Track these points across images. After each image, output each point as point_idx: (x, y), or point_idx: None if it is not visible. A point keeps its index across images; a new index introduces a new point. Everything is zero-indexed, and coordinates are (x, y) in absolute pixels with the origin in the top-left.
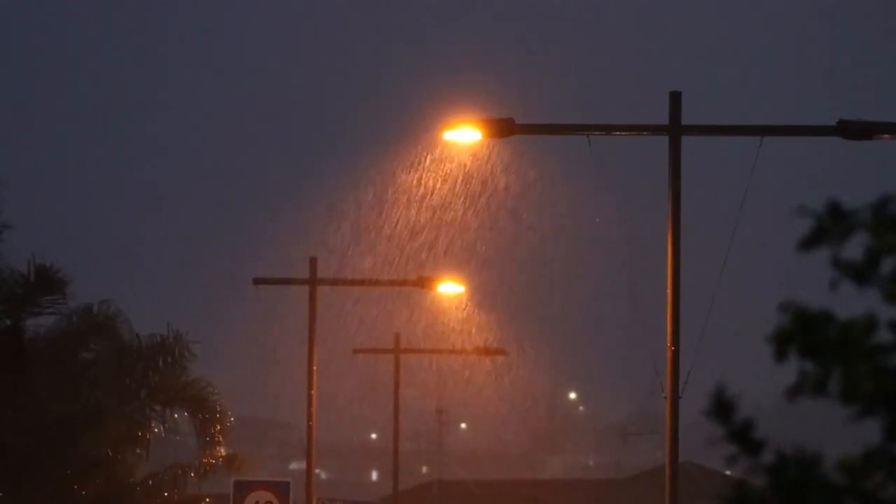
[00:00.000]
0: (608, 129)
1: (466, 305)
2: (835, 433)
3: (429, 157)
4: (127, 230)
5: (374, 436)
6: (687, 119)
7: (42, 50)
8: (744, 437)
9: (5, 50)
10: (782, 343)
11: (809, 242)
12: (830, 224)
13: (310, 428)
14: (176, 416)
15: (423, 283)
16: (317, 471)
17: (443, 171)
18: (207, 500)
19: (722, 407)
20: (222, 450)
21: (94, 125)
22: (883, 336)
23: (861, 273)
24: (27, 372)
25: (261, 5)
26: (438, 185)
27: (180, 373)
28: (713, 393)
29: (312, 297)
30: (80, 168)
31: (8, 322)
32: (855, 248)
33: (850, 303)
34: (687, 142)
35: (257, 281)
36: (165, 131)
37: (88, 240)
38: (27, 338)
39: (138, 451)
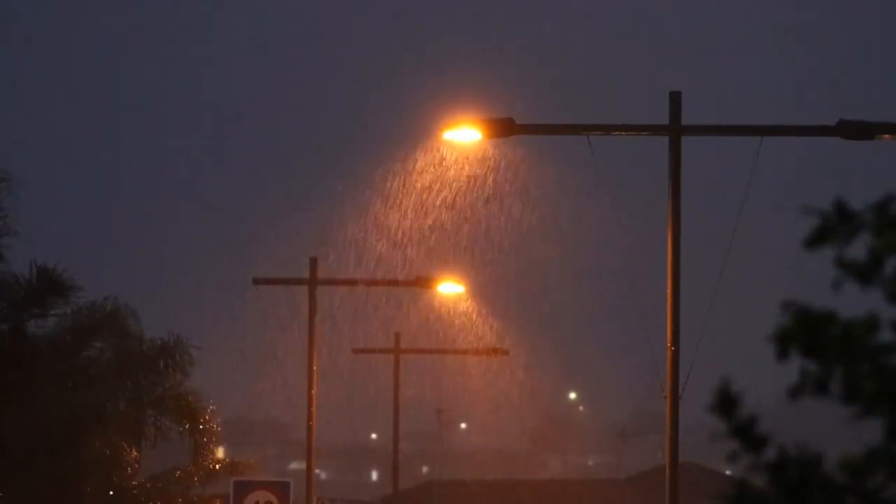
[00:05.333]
0: (608, 129)
1: (466, 305)
2: (836, 433)
3: (429, 158)
4: (126, 231)
5: (374, 436)
6: (687, 119)
7: (44, 47)
8: (747, 433)
9: (9, 47)
10: (784, 342)
11: (815, 241)
12: (836, 223)
13: (310, 428)
14: (168, 422)
15: (423, 283)
16: (317, 471)
17: (443, 171)
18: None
19: (726, 401)
20: (220, 451)
21: (93, 125)
22: (885, 336)
23: (864, 273)
24: (29, 373)
25: (259, 5)
26: (439, 185)
27: (181, 378)
28: (718, 387)
29: (312, 297)
30: (78, 169)
31: (11, 323)
32: (858, 247)
33: (853, 303)
34: (687, 142)
35: (257, 281)
36: (166, 130)
37: (88, 241)
38: (29, 338)
39: (135, 453)
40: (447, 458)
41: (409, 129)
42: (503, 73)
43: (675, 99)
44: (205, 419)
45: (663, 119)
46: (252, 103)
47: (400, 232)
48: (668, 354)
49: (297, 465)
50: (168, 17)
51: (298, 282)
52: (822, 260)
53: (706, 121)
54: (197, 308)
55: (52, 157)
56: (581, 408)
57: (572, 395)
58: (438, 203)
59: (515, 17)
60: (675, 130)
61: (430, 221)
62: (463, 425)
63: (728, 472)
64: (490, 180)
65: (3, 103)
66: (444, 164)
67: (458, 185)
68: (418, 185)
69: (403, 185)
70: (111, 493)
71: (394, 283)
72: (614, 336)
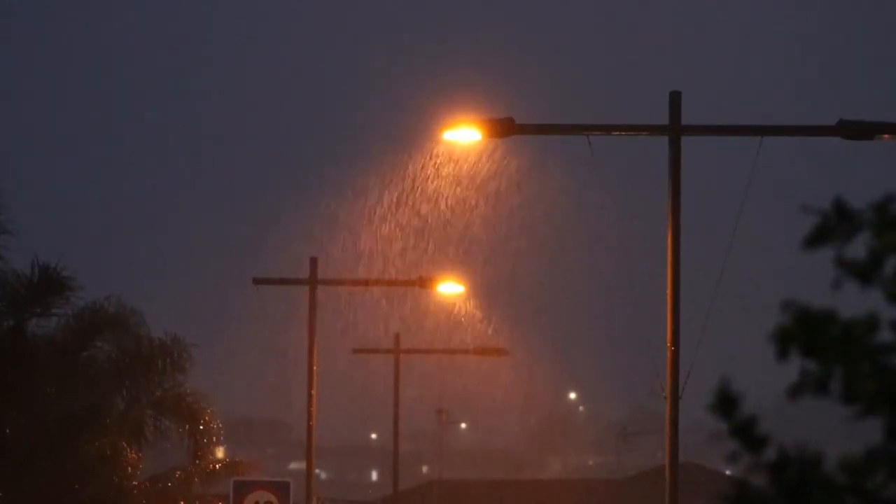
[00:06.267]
0: (608, 129)
1: (467, 305)
2: (836, 434)
3: (429, 158)
4: (126, 231)
5: (374, 436)
6: (687, 119)
7: (44, 47)
8: (746, 433)
9: (12, 47)
10: (784, 342)
11: (814, 241)
12: (835, 222)
13: (310, 428)
14: (168, 422)
15: (423, 282)
16: (317, 471)
17: (443, 171)
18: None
19: (725, 401)
20: (220, 451)
21: (93, 125)
22: (885, 336)
23: (864, 273)
24: (29, 373)
25: (260, 5)
26: (439, 185)
27: (180, 378)
28: (717, 387)
29: (312, 297)
30: (78, 169)
31: (11, 322)
32: (858, 247)
33: (853, 302)
34: (687, 142)
35: (257, 281)
36: (166, 129)
37: (87, 241)
38: (30, 337)
39: (135, 453)
40: (447, 458)
41: (410, 129)
42: (503, 73)
43: (675, 99)
44: (205, 419)
45: (663, 119)
46: (252, 103)
47: (400, 231)
48: (668, 354)
49: (297, 465)
50: (168, 16)
51: (298, 282)
52: (823, 259)
53: (706, 121)
54: (197, 308)
55: (52, 157)
56: (581, 408)
57: (572, 395)
58: (438, 203)
59: (516, 16)
60: (675, 130)
61: (430, 221)
62: (463, 425)
63: (728, 472)
64: (490, 181)
65: (3, 103)
66: (444, 164)
67: (458, 186)
68: (418, 185)
69: (403, 185)
70: (111, 493)
71: (394, 283)
72: (614, 336)
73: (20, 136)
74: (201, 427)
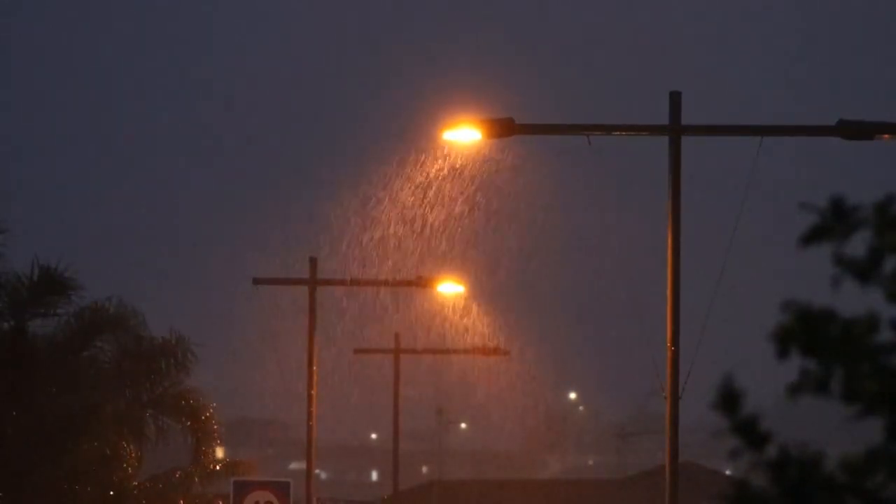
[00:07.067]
0: (608, 129)
1: (466, 305)
2: (836, 434)
3: (429, 157)
4: (126, 231)
5: (374, 436)
6: (687, 119)
7: (45, 46)
8: (749, 430)
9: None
10: (784, 341)
11: (810, 238)
12: (833, 221)
13: (310, 428)
14: (169, 421)
15: (423, 282)
16: (317, 471)
17: (443, 171)
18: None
19: (728, 398)
20: (220, 451)
21: (93, 125)
22: (885, 335)
23: (864, 271)
24: (29, 373)
25: (260, 5)
26: (439, 185)
27: (183, 377)
28: (720, 384)
29: (312, 297)
30: (77, 169)
31: (11, 323)
32: (858, 245)
33: (853, 302)
34: (687, 142)
35: (257, 281)
36: (167, 129)
37: (88, 241)
38: (30, 337)
39: (135, 453)
40: (447, 458)
41: (410, 128)
42: (503, 73)
43: (675, 99)
44: (205, 416)
45: (663, 119)
46: (252, 103)
47: (400, 231)
48: (668, 354)
49: (297, 465)
50: (168, 16)
51: (298, 282)
52: (823, 259)
53: (706, 121)
54: (196, 308)
55: (52, 157)
56: (581, 408)
57: (572, 395)
58: (439, 203)
59: (516, 16)
60: (675, 130)
61: (430, 221)
62: (463, 425)
63: (728, 472)
64: (490, 181)
65: (2, 103)
66: (443, 164)
67: (457, 185)
68: (418, 185)
69: (403, 185)
70: (111, 493)
71: (394, 283)
72: (614, 336)
73: (20, 136)
74: (202, 426)
